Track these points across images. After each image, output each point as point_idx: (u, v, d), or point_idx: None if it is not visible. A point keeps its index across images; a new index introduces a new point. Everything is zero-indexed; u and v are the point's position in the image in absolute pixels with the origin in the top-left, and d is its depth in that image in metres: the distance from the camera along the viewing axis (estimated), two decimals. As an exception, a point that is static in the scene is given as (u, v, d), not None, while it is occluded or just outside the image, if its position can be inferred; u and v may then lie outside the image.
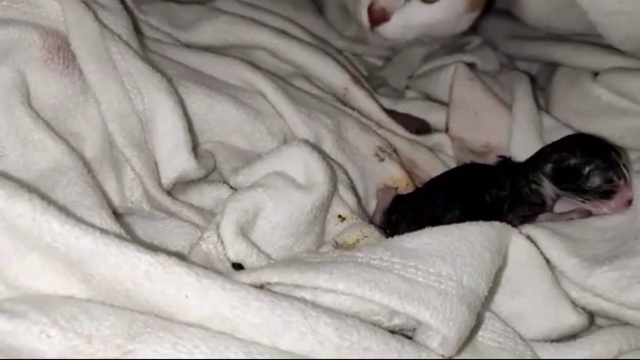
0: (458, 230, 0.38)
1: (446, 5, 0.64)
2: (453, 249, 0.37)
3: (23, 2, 0.44)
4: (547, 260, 0.42)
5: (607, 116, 0.58)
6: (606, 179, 0.46)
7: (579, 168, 0.47)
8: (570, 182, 0.48)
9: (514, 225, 0.42)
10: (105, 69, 0.44)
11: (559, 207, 0.50)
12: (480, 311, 0.37)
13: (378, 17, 0.62)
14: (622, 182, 0.46)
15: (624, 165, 0.47)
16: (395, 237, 0.39)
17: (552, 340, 0.40)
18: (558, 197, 0.49)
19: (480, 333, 0.38)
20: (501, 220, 0.41)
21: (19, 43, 0.43)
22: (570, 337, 0.41)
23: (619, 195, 0.46)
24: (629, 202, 0.46)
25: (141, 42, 0.52)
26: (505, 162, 0.52)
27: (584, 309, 0.42)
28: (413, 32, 0.65)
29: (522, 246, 0.41)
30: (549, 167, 0.48)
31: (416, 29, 0.64)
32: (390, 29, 0.63)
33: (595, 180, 0.46)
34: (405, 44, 0.67)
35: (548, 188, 0.49)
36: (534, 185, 0.49)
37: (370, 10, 0.63)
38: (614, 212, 0.47)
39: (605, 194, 0.47)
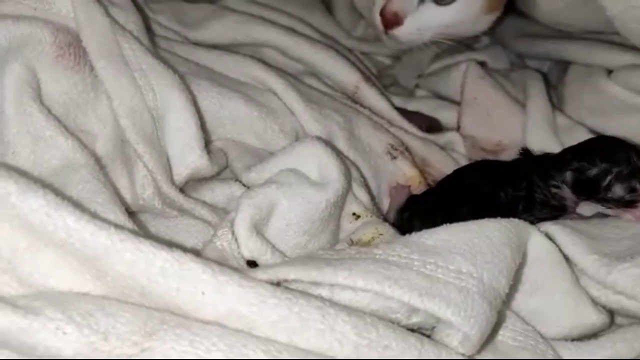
0: (476, 226, 0.38)
1: (461, 7, 0.63)
2: (472, 246, 0.36)
3: (33, -2, 0.44)
4: (566, 258, 0.42)
5: (622, 114, 0.57)
6: (629, 188, 0.44)
7: (598, 180, 0.45)
8: (590, 194, 0.46)
9: (532, 223, 0.41)
10: (117, 65, 0.44)
11: (582, 209, 0.49)
12: (501, 309, 0.36)
13: (391, 21, 0.62)
14: None
15: None
16: (413, 233, 0.38)
17: (573, 339, 0.40)
18: (580, 200, 0.48)
19: (500, 332, 0.37)
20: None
21: (29, 39, 0.43)
22: (591, 335, 0.40)
23: None
24: None
25: (151, 40, 0.52)
26: (526, 158, 0.50)
27: (604, 307, 0.41)
28: (428, 34, 0.64)
29: (541, 243, 0.40)
30: (568, 175, 0.47)
31: (431, 30, 0.63)
32: (405, 31, 0.62)
33: (617, 191, 0.45)
34: (422, 45, 0.66)
35: (568, 193, 0.47)
36: (554, 190, 0.48)
37: (382, 14, 0.62)
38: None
39: (629, 203, 0.45)
